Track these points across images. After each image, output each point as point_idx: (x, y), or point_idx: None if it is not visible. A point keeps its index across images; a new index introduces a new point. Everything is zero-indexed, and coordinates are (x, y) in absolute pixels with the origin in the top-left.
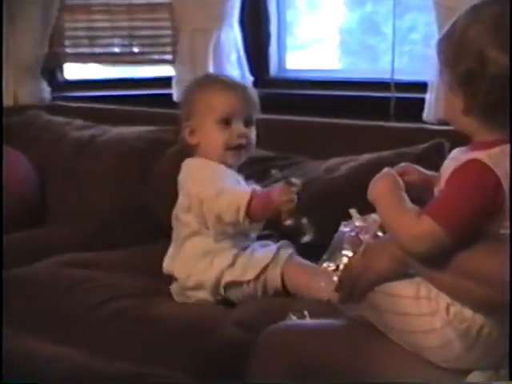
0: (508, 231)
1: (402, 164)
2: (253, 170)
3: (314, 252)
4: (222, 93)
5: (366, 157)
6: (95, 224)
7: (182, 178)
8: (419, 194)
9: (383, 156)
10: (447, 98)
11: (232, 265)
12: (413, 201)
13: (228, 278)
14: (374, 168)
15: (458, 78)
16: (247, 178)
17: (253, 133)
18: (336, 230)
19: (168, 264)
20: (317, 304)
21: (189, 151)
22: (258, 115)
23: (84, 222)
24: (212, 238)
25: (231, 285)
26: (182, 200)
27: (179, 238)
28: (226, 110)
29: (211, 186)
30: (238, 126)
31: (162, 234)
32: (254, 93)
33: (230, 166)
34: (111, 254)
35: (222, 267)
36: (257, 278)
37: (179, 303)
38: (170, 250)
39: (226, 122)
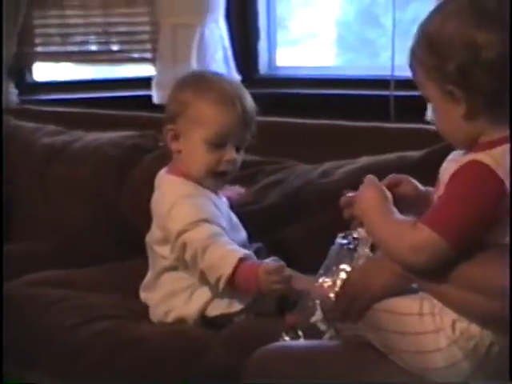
0: None
1: (398, 175)
2: (240, 175)
3: (309, 266)
4: (219, 109)
5: (364, 160)
6: (68, 238)
7: (155, 200)
8: (412, 209)
9: (383, 160)
10: (442, 108)
11: (215, 296)
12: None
13: (213, 311)
14: (372, 172)
15: (452, 77)
16: (234, 182)
17: (240, 157)
18: (333, 241)
19: (145, 295)
20: (311, 323)
21: (168, 156)
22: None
23: (56, 235)
24: (191, 273)
25: (218, 318)
26: (155, 230)
27: (155, 269)
28: (220, 131)
29: (197, 231)
30: (229, 152)
31: (139, 249)
32: (253, 106)
33: (213, 190)
34: (86, 272)
35: (204, 300)
36: (248, 305)
37: (160, 324)
38: (146, 279)
39: (217, 145)
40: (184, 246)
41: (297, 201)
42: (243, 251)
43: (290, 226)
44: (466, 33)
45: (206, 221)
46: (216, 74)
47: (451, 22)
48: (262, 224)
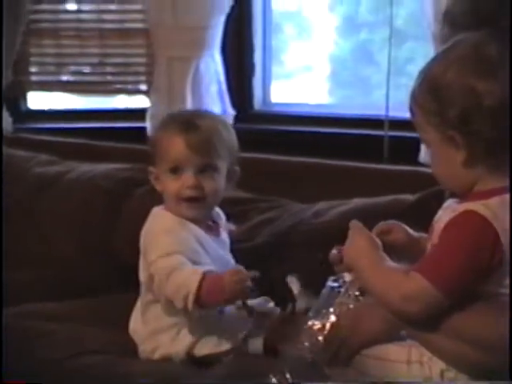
0: (508, 290)
1: (390, 221)
2: (233, 212)
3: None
4: (171, 138)
5: (357, 201)
6: (58, 270)
7: (142, 233)
8: (404, 257)
9: (376, 202)
10: (440, 153)
11: (203, 335)
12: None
13: (200, 351)
14: (366, 214)
15: (453, 123)
16: (228, 218)
17: (211, 181)
18: (324, 283)
19: (133, 330)
20: (300, 365)
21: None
22: (233, 157)
23: (45, 267)
24: (177, 308)
25: (206, 358)
26: (142, 259)
27: (143, 299)
28: (173, 157)
29: (167, 259)
30: (186, 177)
31: (130, 282)
32: (222, 134)
33: (192, 220)
34: (76, 304)
35: (191, 339)
36: (239, 344)
37: (148, 361)
38: (134, 312)
39: (175, 171)
40: (151, 278)
41: (288, 240)
42: (207, 267)
43: (282, 265)
44: (467, 80)
45: (178, 253)
46: (184, 111)
47: (453, 68)
48: (253, 262)
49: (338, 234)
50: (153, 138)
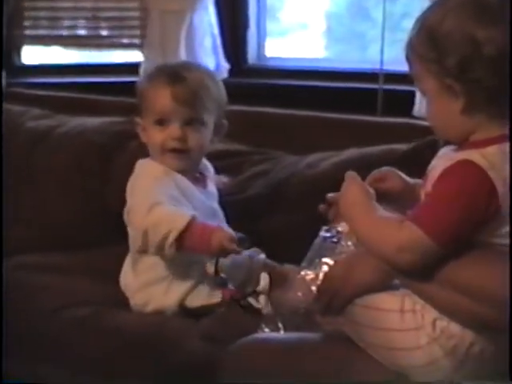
0: (503, 240)
1: (383, 168)
2: (226, 164)
3: (292, 258)
4: (157, 90)
5: (350, 152)
6: (50, 224)
7: (129, 183)
8: (399, 203)
9: (369, 152)
10: (438, 102)
11: (194, 286)
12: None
13: (192, 302)
14: (359, 164)
15: (451, 71)
16: (219, 171)
17: (197, 134)
18: (316, 233)
19: (124, 282)
20: (292, 315)
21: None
22: (220, 110)
23: (38, 221)
24: (166, 259)
25: (198, 310)
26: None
27: (133, 252)
28: (159, 109)
29: (146, 195)
30: (172, 128)
31: (123, 235)
32: (209, 86)
33: (177, 170)
34: (68, 257)
35: (183, 291)
36: None
37: (139, 313)
38: (126, 264)
39: (161, 122)
40: (127, 211)
41: (281, 192)
42: (192, 213)
43: (274, 217)
44: (466, 28)
45: (160, 195)
46: (171, 63)
47: (452, 16)
48: (246, 214)
49: (331, 184)
50: (139, 89)
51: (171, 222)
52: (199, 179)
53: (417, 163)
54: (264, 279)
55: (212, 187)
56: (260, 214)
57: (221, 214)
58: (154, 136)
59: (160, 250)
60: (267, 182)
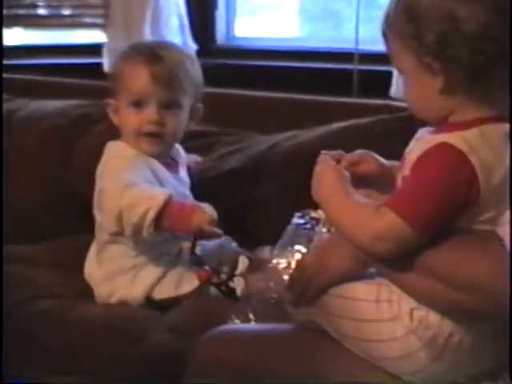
0: (483, 226)
1: (358, 151)
2: (197, 145)
3: (268, 240)
4: (134, 70)
5: (337, 125)
6: (12, 212)
7: (98, 167)
8: (375, 187)
9: (359, 123)
10: (416, 81)
11: (162, 277)
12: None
13: (159, 294)
14: (346, 135)
15: (430, 48)
16: (190, 151)
17: (174, 118)
18: (289, 220)
19: (88, 273)
20: (264, 306)
21: (117, 131)
22: (197, 93)
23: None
24: (132, 248)
25: (165, 301)
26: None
27: (98, 240)
28: (135, 90)
29: (120, 176)
30: (149, 111)
31: (88, 223)
32: (188, 68)
33: (151, 155)
34: (31, 247)
35: (150, 282)
36: (199, 287)
37: (104, 305)
38: (91, 253)
39: (137, 104)
40: (99, 197)
41: (262, 164)
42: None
43: (254, 192)
44: (445, 3)
45: (134, 179)
46: (149, 42)
47: None
48: (223, 190)
49: (314, 155)
50: (114, 69)
51: (149, 199)
52: (171, 165)
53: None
54: (243, 262)
55: (184, 173)
56: (237, 189)
57: (192, 200)
58: (129, 118)
59: (138, 231)
60: (244, 156)
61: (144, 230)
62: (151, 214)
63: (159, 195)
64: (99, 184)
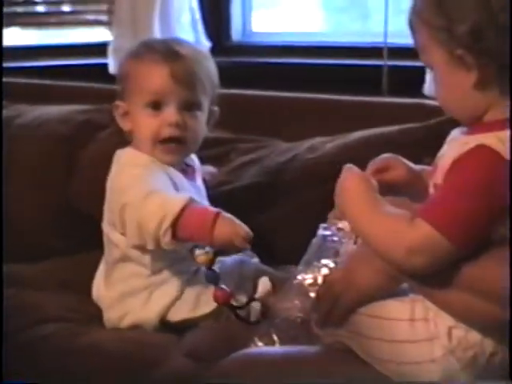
0: None
1: (385, 155)
2: (211, 154)
3: (292, 255)
4: (151, 68)
5: (358, 134)
6: (10, 229)
7: (110, 177)
8: (403, 192)
9: (381, 133)
10: (448, 76)
11: (178, 298)
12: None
13: (175, 316)
14: (370, 147)
15: (463, 40)
16: (203, 161)
17: (195, 120)
18: (315, 231)
19: (97, 295)
20: (288, 326)
21: (125, 137)
22: (214, 95)
23: None
24: (148, 266)
25: (181, 324)
26: (107, 210)
27: (108, 259)
28: (153, 90)
29: (140, 186)
30: (168, 112)
31: (95, 240)
32: (207, 66)
33: (170, 164)
34: (32, 267)
35: (164, 303)
36: (218, 308)
37: (115, 329)
38: (99, 273)
39: (155, 106)
40: (123, 208)
41: (279, 179)
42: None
43: (272, 209)
44: None
45: (152, 186)
46: (161, 40)
47: None
48: (239, 206)
49: (336, 170)
50: (124, 68)
51: (166, 205)
52: (188, 171)
53: (435, 144)
54: (263, 284)
55: (200, 181)
56: (254, 206)
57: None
58: (145, 122)
59: (157, 242)
60: (261, 169)
61: (161, 241)
62: (167, 222)
63: (176, 200)
64: (110, 196)
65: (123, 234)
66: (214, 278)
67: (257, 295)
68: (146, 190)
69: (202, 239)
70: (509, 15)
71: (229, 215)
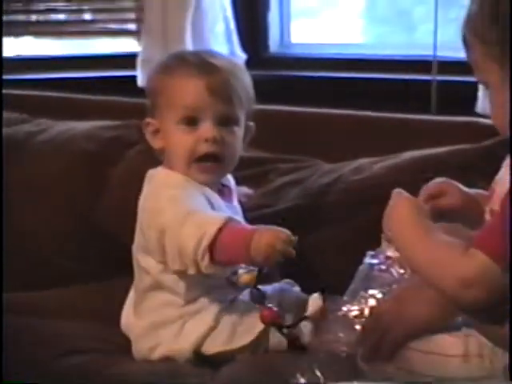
0: None
1: (438, 180)
2: (247, 175)
3: (336, 286)
4: (184, 81)
5: (407, 155)
6: (33, 252)
7: (141, 198)
8: (460, 220)
9: (431, 154)
10: (504, 95)
11: (213, 329)
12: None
13: (210, 348)
14: (420, 168)
15: None
16: (239, 182)
17: (232, 136)
18: (361, 259)
19: (125, 324)
20: (332, 361)
21: (157, 155)
22: (250, 109)
23: (19, 250)
24: (182, 295)
25: (217, 357)
26: (139, 235)
27: (139, 287)
28: (188, 105)
29: (178, 208)
30: (204, 128)
31: (124, 265)
32: (242, 78)
33: (206, 183)
34: (57, 294)
35: (198, 334)
36: (256, 339)
37: (145, 361)
38: (128, 301)
39: (190, 121)
40: (162, 232)
41: (322, 202)
42: (230, 215)
43: (314, 234)
44: None
45: (189, 206)
46: (193, 52)
47: None
48: None
49: (384, 192)
50: (154, 83)
51: (203, 226)
52: (224, 192)
53: (490, 167)
54: (315, 302)
55: (236, 202)
56: (294, 231)
57: None
58: (180, 139)
59: (197, 265)
60: (303, 191)
61: (200, 265)
62: (204, 244)
63: (214, 220)
64: (142, 220)
65: (162, 262)
66: (259, 297)
67: (307, 313)
68: (184, 211)
69: (242, 257)
70: None
71: (268, 226)
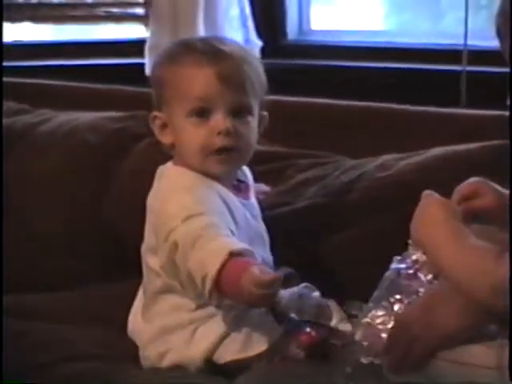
0: None
1: (472, 180)
2: (264, 170)
3: (359, 291)
4: (193, 71)
5: (436, 151)
6: (34, 251)
7: (150, 196)
8: (494, 223)
9: (462, 150)
10: None
11: (226, 336)
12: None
13: (222, 356)
14: (450, 165)
15: None
16: (256, 178)
17: (246, 127)
18: (387, 264)
19: (133, 327)
20: (357, 371)
21: (166, 150)
22: (263, 97)
23: (18, 249)
24: (194, 299)
25: (230, 366)
26: (148, 235)
27: (148, 289)
28: (197, 95)
29: (190, 224)
30: (217, 120)
31: (131, 266)
32: (255, 66)
33: (218, 177)
34: (60, 297)
35: (210, 341)
36: (273, 347)
37: (153, 369)
38: (136, 305)
39: (200, 113)
40: (174, 246)
41: (344, 201)
42: (239, 244)
43: (335, 235)
44: None
45: (203, 214)
46: (201, 38)
47: None
48: (296, 232)
49: (410, 191)
50: (160, 73)
51: (209, 262)
52: (239, 188)
53: None
54: (335, 309)
55: (254, 199)
56: (314, 231)
57: (266, 234)
58: (191, 133)
59: (205, 298)
60: (323, 189)
61: (210, 300)
62: (207, 288)
63: (215, 259)
64: (152, 220)
65: (165, 264)
66: (282, 318)
67: (333, 323)
68: (195, 232)
69: (237, 300)
70: None
71: (258, 267)
